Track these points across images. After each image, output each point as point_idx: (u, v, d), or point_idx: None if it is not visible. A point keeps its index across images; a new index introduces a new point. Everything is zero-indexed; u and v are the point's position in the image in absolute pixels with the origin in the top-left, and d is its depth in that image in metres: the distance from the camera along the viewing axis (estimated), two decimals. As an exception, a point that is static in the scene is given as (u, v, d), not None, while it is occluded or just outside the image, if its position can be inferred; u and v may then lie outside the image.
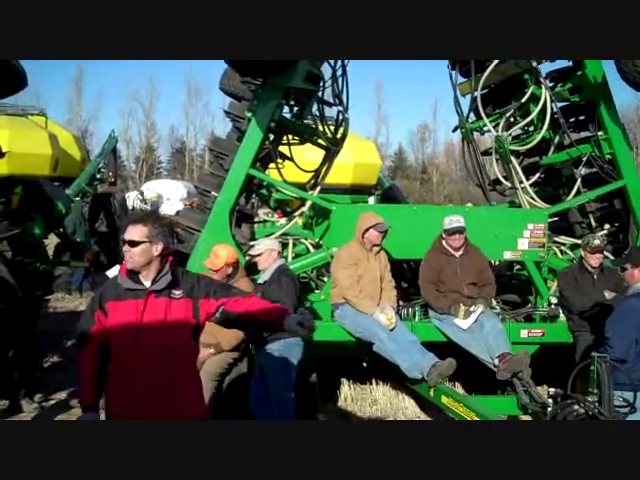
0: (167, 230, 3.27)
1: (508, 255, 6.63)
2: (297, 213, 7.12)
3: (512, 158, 7.14)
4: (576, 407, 4.52)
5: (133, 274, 3.21)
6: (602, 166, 6.89)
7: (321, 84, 6.78)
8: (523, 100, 7.04)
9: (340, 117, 7.23)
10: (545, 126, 6.99)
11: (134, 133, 54.44)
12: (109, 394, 3.27)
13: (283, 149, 7.04)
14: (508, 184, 7.40)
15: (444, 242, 6.12)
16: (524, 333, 6.20)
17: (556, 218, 7.34)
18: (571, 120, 7.45)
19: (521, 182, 7.18)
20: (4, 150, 7.84)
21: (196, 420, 3.17)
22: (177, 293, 3.20)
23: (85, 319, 3.29)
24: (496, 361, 5.65)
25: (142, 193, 16.75)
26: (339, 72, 6.91)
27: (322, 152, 7.15)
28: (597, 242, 6.11)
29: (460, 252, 6.09)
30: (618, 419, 4.38)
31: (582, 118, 7.39)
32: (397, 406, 6.46)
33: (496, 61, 6.86)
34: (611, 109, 6.77)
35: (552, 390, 5.07)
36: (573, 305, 6.07)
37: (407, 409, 6.41)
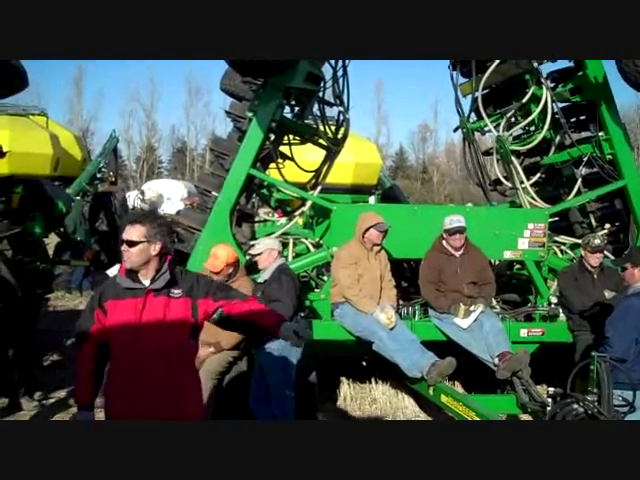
0: (165, 229, 3.27)
1: (508, 255, 6.64)
2: (297, 213, 7.14)
3: (513, 158, 7.15)
4: (575, 406, 4.51)
5: (132, 273, 3.22)
6: (603, 166, 6.89)
7: (322, 84, 6.78)
8: (524, 100, 7.03)
9: (341, 117, 7.24)
10: (546, 126, 6.99)
11: (135, 133, 54.69)
12: (108, 393, 3.28)
13: (284, 149, 7.05)
14: (509, 184, 7.40)
15: (444, 242, 6.12)
16: (524, 332, 6.20)
17: (556, 218, 7.35)
18: (572, 120, 7.45)
19: (522, 182, 7.18)
20: (5, 150, 7.84)
21: (194, 419, 3.18)
22: (176, 292, 3.21)
23: (84, 318, 3.30)
24: (496, 360, 5.65)
25: (143, 193, 16.74)
26: (340, 72, 6.92)
27: (323, 152, 7.16)
28: (597, 242, 6.11)
29: (460, 252, 6.09)
30: (617, 418, 4.38)
31: (583, 118, 7.38)
32: (397, 405, 6.46)
33: (497, 61, 6.86)
34: (612, 109, 6.77)
35: (552, 389, 5.06)
36: (573, 304, 6.07)
37: (407, 408, 6.42)
